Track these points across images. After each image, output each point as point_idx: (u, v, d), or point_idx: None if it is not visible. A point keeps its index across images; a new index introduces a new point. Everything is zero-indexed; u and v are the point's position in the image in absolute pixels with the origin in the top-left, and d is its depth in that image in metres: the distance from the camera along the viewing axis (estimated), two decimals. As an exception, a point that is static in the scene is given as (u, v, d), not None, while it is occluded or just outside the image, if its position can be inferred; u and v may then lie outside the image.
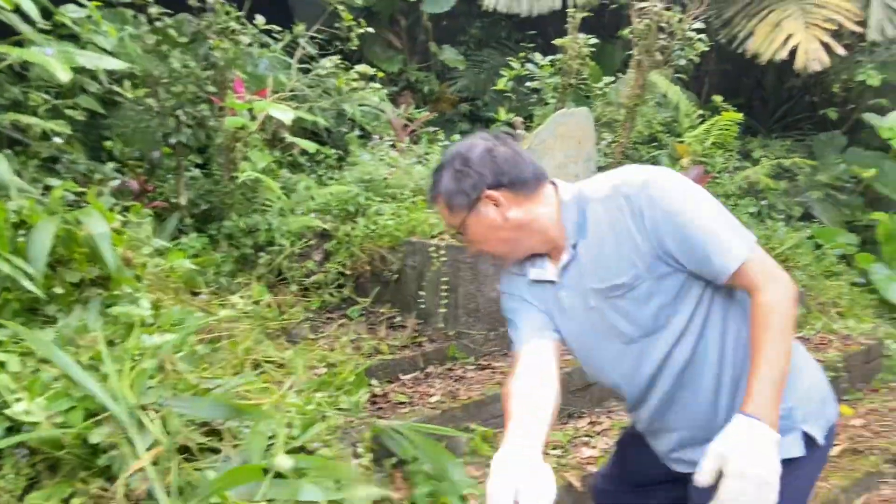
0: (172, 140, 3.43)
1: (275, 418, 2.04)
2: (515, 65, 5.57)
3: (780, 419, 1.31)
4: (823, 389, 1.54)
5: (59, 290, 2.17)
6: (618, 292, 1.44)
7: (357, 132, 4.67)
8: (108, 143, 3.75)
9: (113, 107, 3.76)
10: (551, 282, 1.53)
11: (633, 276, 1.41)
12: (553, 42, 5.12)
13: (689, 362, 1.45)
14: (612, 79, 5.68)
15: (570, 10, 4.90)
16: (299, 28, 4.53)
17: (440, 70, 7.65)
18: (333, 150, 4.42)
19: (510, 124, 5.08)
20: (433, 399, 2.76)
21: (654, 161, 5.50)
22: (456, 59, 7.09)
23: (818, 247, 5.17)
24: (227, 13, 3.57)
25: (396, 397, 2.74)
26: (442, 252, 3.22)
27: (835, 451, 3.17)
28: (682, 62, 4.82)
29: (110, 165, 3.44)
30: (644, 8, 4.61)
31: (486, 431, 2.73)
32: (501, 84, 5.81)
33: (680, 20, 4.66)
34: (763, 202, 5.16)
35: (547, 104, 5.31)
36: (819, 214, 5.69)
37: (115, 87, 3.31)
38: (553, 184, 1.54)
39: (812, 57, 4.79)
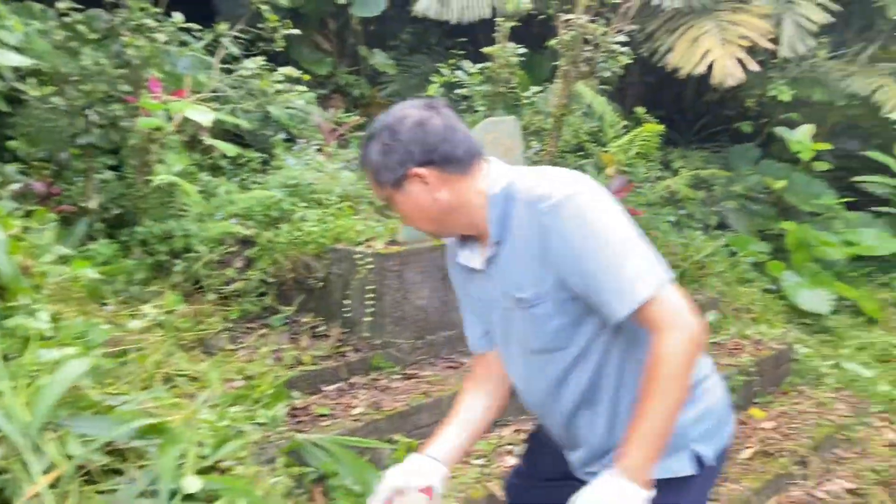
0: (82, 141, 3.26)
1: (185, 436, 1.95)
2: (445, 71, 5.58)
3: (672, 436, 1.32)
4: (723, 411, 1.54)
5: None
6: (522, 304, 1.42)
7: (283, 136, 4.55)
8: (11, 143, 3.52)
9: (18, 105, 3.55)
10: (479, 270, 1.51)
11: (535, 294, 1.40)
12: (482, 50, 5.15)
13: (589, 386, 1.44)
14: (540, 88, 5.75)
15: (499, 20, 4.94)
16: (221, 27, 4.40)
17: (371, 74, 7.59)
18: (257, 154, 4.29)
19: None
20: (356, 411, 2.70)
21: (581, 170, 5.60)
22: (386, 63, 7.05)
23: (733, 254, 5.37)
24: (143, 9, 3.42)
25: (318, 410, 2.67)
26: (368, 259, 3.17)
27: (746, 453, 3.29)
28: (607, 74, 4.92)
29: (13, 167, 3.24)
30: (570, 20, 4.68)
31: (410, 443, 2.69)
32: (431, 90, 5.79)
33: (604, 33, 4.76)
34: (682, 211, 5.32)
35: (476, 112, 5.33)
36: (734, 223, 5.92)
37: (20, 85, 3.12)
38: (488, 162, 1.47)
39: (728, 72, 4.97)
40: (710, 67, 5.13)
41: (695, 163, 6.07)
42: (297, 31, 4.22)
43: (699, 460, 1.45)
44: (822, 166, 6.04)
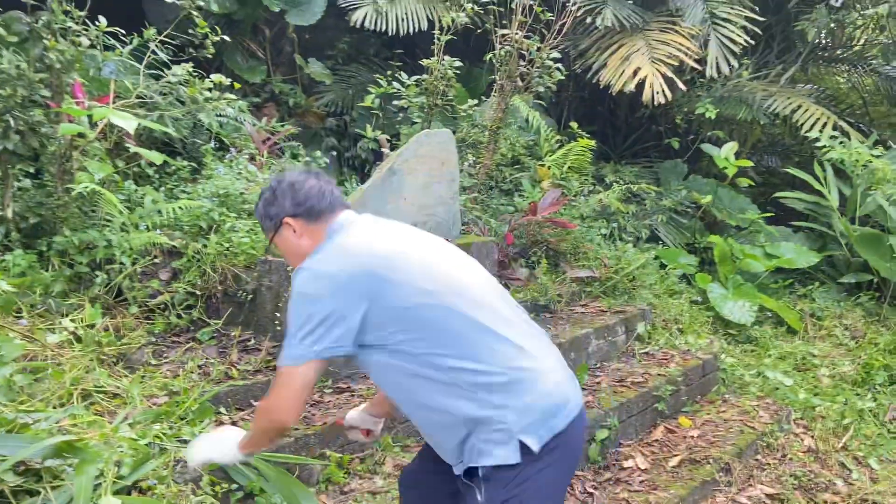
0: (-2, 147, 3.10)
1: (103, 455, 1.87)
2: (383, 82, 5.57)
3: (497, 432, 1.61)
4: (547, 407, 1.67)
5: None
6: None
7: (214, 145, 4.45)
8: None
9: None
10: None
11: None
12: (420, 62, 5.16)
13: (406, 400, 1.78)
14: (476, 101, 5.80)
15: (436, 33, 4.97)
16: (149, 32, 4.27)
17: (307, 83, 7.51)
18: (186, 163, 4.18)
19: (377, 142, 5.05)
20: (286, 426, 2.64)
21: (517, 183, 5.68)
22: (323, 72, 6.98)
23: (663, 266, 5.53)
24: (66, 12, 3.28)
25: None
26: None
27: (674, 461, 3.37)
28: (541, 89, 5.00)
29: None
30: (506, 35, 4.75)
31: (342, 458, 2.65)
32: (368, 101, 5.78)
33: (538, 49, 4.84)
34: (614, 224, 5.44)
35: (414, 123, 5.33)
36: (664, 236, 6.09)
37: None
38: (346, 216, 1.81)
39: (657, 90, 5.13)
40: (640, 84, 5.28)
41: (626, 177, 6.23)
42: (226, 38, 4.12)
43: (525, 448, 1.61)
44: (745, 182, 6.29)
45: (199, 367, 2.97)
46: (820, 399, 4.39)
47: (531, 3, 4.72)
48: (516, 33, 4.73)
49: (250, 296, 3.36)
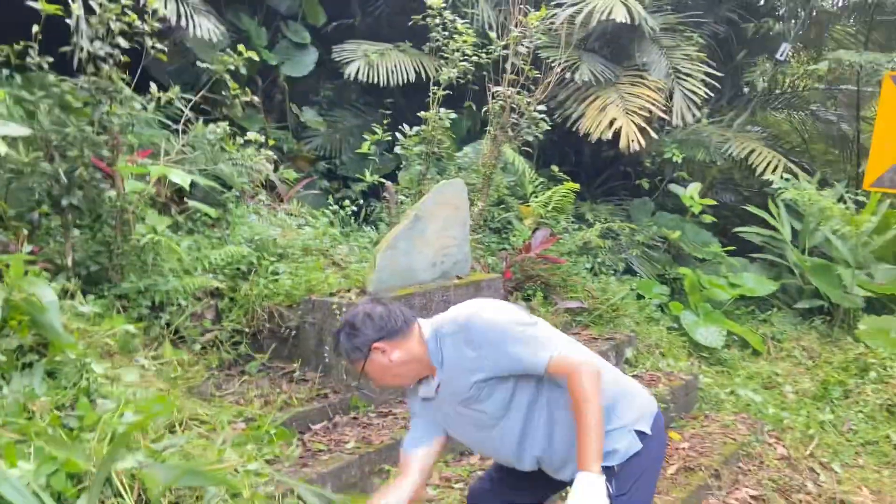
0: (65, 202, 3.42)
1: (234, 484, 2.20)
2: (378, 130, 6.03)
3: (616, 430, 1.98)
4: (641, 397, 2.13)
5: (-1, 358, 2.20)
6: (468, 402, 2.00)
7: (237, 193, 4.81)
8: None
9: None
10: (433, 398, 2.07)
11: (476, 390, 1.98)
12: (420, 114, 5.60)
13: (525, 428, 2.02)
14: (470, 148, 6.30)
15: (434, 88, 5.46)
16: (174, 90, 4.64)
17: (295, 129, 7.91)
18: (218, 211, 4.53)
19: (383, 187, 5.48)
20: (349, 445, 3.01)
21: (506, 222, 6.18)
22: (316, 120, 7.41)
23: (640, 297, 6.06)
24: (122, 79, 3.65)
25: (315, 446, 2.96)
26: (344, 309, 3.50)
27: (672, 470, 3.83)
28: (530, 138, 5.53)
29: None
30: (499, 92, 5.28)
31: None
32: (365, 147, 6.23)
33: (528, 103, 5.38)
34: (598, 259, 5.97)
35: (411, 168, 5.79)
36: (637, 268, 6.65)
37: (12, 152, 3.27)
38: (418, 323, 2.06)
39: (632, 139, 5.72)
40: (616, 133, 5.86)
41: (603, 215, 6.79)
42: (255, 99, 4.52)
43: (641, 434, 2.03)
44: (708, 219, 6.92)
45: (258, 396, 3.32)
46: (787, 413, 4.94)
47: (521, 64, 5.26)
48: (508, 90, 5.26)
49: (293, 332, 3.73)
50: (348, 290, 3.70)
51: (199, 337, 3.64)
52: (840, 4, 8.41)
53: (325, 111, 8.23)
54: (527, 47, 5.26)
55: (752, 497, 3.85)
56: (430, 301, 3.86)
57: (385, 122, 6.12)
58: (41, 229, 3.75)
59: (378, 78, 6.93)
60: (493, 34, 5.49)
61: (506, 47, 5.35)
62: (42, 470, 1.83)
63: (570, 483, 1.88)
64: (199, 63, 4.47)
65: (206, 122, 4.65)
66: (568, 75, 6.13)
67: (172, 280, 3.47)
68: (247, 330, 3.72)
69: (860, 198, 6.84)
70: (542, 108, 5.53)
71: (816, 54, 8.58)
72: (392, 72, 6.99)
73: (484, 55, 5.39)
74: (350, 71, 6.84)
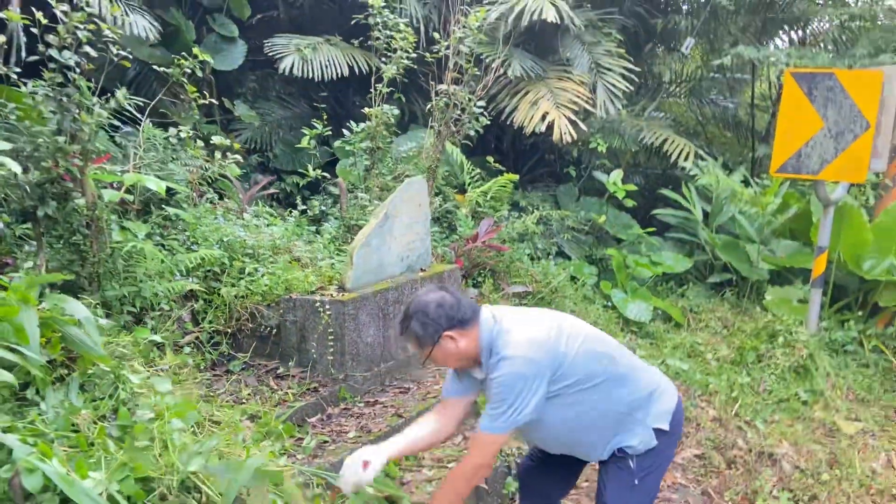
0: (40, 213, 3.40)
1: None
2: (318, 125, 6.13)
3: (638, 425, 2.30)
4: (665, 394, 2.42)
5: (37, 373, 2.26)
6: None
7: (196, 194, 4.82)
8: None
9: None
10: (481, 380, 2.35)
11: None
12: (364, 111, 5.74)
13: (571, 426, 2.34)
14: (407, 141, 6.50)
15: (377, 85, 5.62)
16: (122, 92, 4.59)
17: (223, 122, 7.83)
18: (177, 212, 4.54)
19: (334, 184, 5.60)
20: (350, 435, 3.21)
21: (445, 212, 6.44)
22: (249, 114, 7.37)
23: (573, 279, 6.50)
24: (89, 87, 3.63)
25: (320, 437, 3.14)
26: (327, 307, 3.67)
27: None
28: (472, 132, 5.80)
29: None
30: (443, 90, 5.51)
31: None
32: (304, 142, 6.31)
33: (469, 100, 5.64)
34: (539, 246, 6.35)
35: (354, 164, 5.94)
36: (568, 251, 7.10)
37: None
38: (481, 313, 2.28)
39: (565, 132, 6.10)
40: (549, 126, 6.23)
41: (535, 202, 7.18)
42: (213, 101, 4.54)
43: (658, 431, 2.32)
44: (630, 203, 7.45)
45: (251, 394, 3.45)
46: (712, 378, 5.50)
47: (464, 63, 5.51)
48: (452, 87, 5.50)
49: (273, 330, 3.86)
50: (328, 288, 3.86)
51: (181, 339, 3.71)
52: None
53: (251, 103, 8.19)
54: (469, 46, 5.51)
55: (695, 456, 4.34)
56: (402, 294, 4.08)
57: (324, 116, 6.22)
58: (4, 240, 3.70)
59: (312, 72, 6.98)
60: (437, 35, 5.70)
61: (448, 47, 5.58)
62: (114, 477, 1.95)
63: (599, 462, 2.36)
64: (155, 67, 4.43)
65: (137, 123, 4.64)
66: (500, 70, 6.42)
67: (157, 285, 3.52)
68: (228, 330, 3.81)
69: (759, 180, 7.59)
70: (481, 103, 5.81)
71: (714, 47, 9.31)
72: (326, 66, 7.06)
73: (428, 55, 5.60)
74: (285, 66, 6.86)
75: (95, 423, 2.27)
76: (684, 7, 8.99)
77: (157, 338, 2.85)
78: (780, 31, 9.82)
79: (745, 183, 7.43)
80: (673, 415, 2.41)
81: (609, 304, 6.33)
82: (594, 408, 2.28)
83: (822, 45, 9.81)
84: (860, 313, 6.48)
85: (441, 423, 2.42)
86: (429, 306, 2.21)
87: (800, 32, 9.93)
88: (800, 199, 7.07)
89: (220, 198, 5.74)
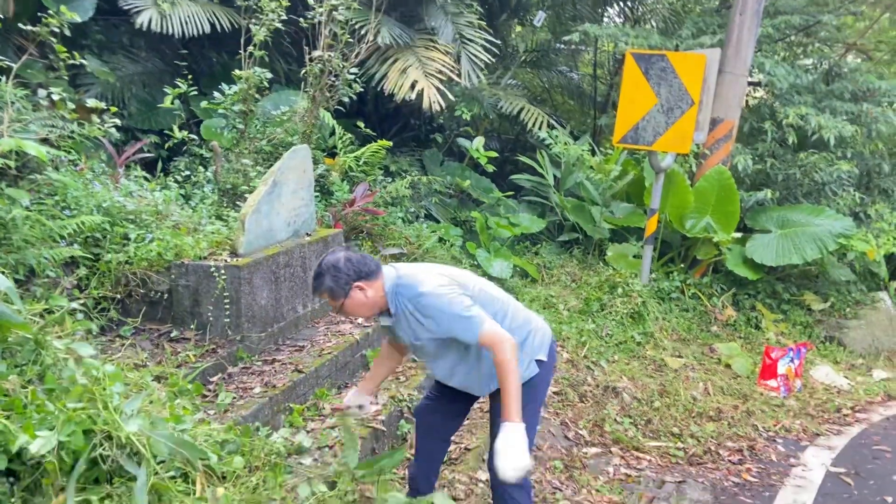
0: None
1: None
2: (182, 84, 6.01)
3: (524, 356, 2.67)
4: (541, 330, 2.85)
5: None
6: (413, 342, 2.64)
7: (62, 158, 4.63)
8: None
9: None
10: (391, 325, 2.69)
11: (416, 340, 2.61)
12: (234, 73, 5.72)
13: (465, 365, 2.70)
14: (272, 104, 6.52)
15: (251, 49, 5.62)
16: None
17: (70, 77, 7.35)
18: (72, 181, 4.38)
19: (210, 149, 5.56)
20: (256, 390, 3.41)
21: (319, 176, 6.58)
22: (103, 70, 6.99)
23: (441, 240, 6.93)
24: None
25: (227, 396, 3.31)
26: (223, 272, 3.79)
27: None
28: (346, 98, 5.96)
29: None
30: (318, 56, 5.62)
31: (300, 408, 3.51)
32: (168, 101, 6.16)
33: (343, 67, 5.80)
34: (411, 210, 6.68)
35: (226, 126, 5.92)
36: (436, 214, 7.51)
37: None
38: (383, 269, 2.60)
39: (434, 100, 6.43)
40: (419, 95, 6.53)
41: (403, 166, 7.49)
42: (84, 62, 4.37)
43: (538, 362, 2.77)
44: (490, 168, 7.98)
45: (148, 358, 3.53)
46: (564, 326, 6.19)
47: (337, 30, 5.64)
48: (327, 54, 5.62)
49: (164, 295, 3.91)
50: (220, 254, 3.97)
51: (67, 305, 3.67)
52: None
53: (97, 56, 7.74)
54: (343, 15, 5.64)
55: (554, 393, 4.95)
56: (291, 258, 4.27)
57: (188, 75, 6.09)
58: None
59: (172, 28, 6.76)
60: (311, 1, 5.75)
61: (321, 13, 5.67)
62: (63, 432, 2.08)
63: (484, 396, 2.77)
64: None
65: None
66: (370, 37, 6.60)
67: (42, 252, 3.46)
68: (115, 296, 3.82)
69: (602, 149, 8.40)
70: (354, 70, 5.98)
71: (561, 21, 10.02)
72: (185, 22, 6.85)
73: (303, 20, 5.67)
74: (142, 20, 6.60)
75: (24, 387, 2.34)
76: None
77: (75, 304, 2.87)
78: (615, 3, 10.76)
79: (592, 152, 8.19)
80: (549, 347, 2.88)
81: (475, 262, 6.83)
82: None
83: (653, 24, 10.85)
84: (682, 265, 7.48)
85: (393, 359, 2.99)
86: (339, 262, 2.49)
87: (629, 4, 10.94)
88: (635, 166, 7.94)
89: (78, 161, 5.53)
